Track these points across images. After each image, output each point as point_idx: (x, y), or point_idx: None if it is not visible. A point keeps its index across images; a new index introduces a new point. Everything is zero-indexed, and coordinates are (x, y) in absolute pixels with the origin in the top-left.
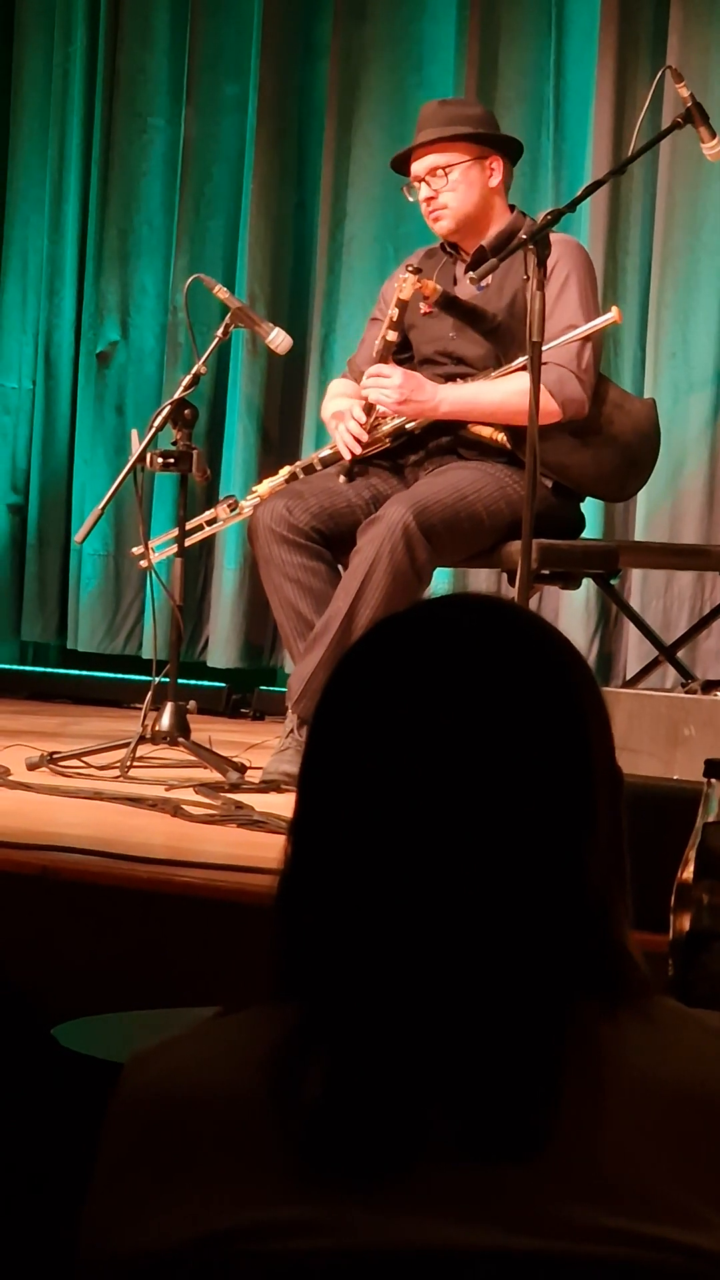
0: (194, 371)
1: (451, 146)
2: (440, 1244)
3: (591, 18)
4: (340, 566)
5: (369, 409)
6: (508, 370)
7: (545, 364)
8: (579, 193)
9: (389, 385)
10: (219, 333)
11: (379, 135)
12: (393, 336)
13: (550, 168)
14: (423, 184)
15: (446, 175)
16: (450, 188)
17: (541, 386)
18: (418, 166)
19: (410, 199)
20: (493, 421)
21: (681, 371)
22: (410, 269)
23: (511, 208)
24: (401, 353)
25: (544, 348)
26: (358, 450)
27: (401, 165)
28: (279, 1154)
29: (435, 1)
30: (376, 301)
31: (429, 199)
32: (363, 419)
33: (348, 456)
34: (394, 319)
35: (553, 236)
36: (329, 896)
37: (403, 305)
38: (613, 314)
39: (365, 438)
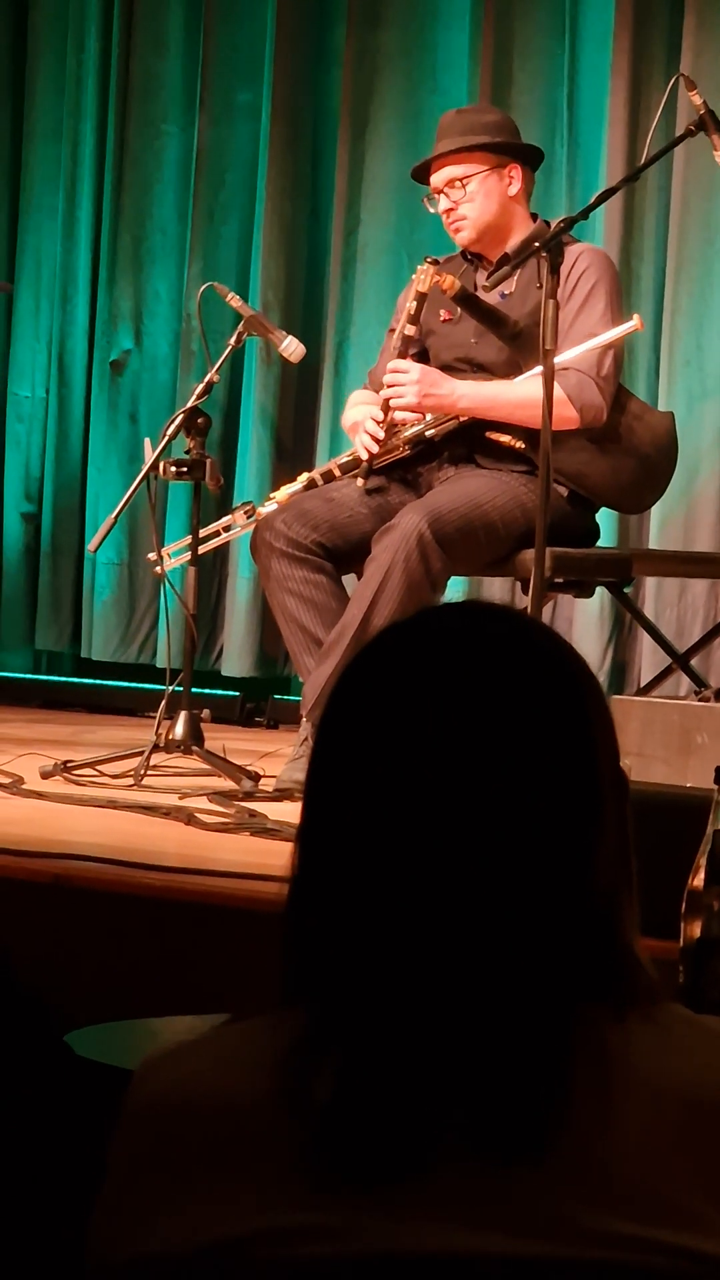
0: (207, 379)
1: (468, 157)
2: (451, 1249)
3: (605, 25)
4: (344, 579)
5: (387, 408)
6: (530, 375)
7: (565, 369)
8: (592, 200)
9: (407, 380)
10: (232, 340)
11: (393, 142)
12: (411, 330)
13: (564, 175)
14: (442, 195)
15: (464, 186)
16: (469, 198)
17: (560, 391)
18: (436, 178)
19: (431, 210)
20: (510, 421)
21: (696, 379)
22: (428, 260)
23: (534, 216)
24: (418, 358)
25: (567, 354)
26: (375, 449)
27: (422, 176)
28: (290, 1159)
29: (449, 9)
30: (394, 314)
31: (448, 210)
32: (380, 417)
33: (365, 457)
34: (411, 312)
35: (581, 246)
36: (337, 902)
37: (421, 297)
38: (634, 322)
39: (382, 434)
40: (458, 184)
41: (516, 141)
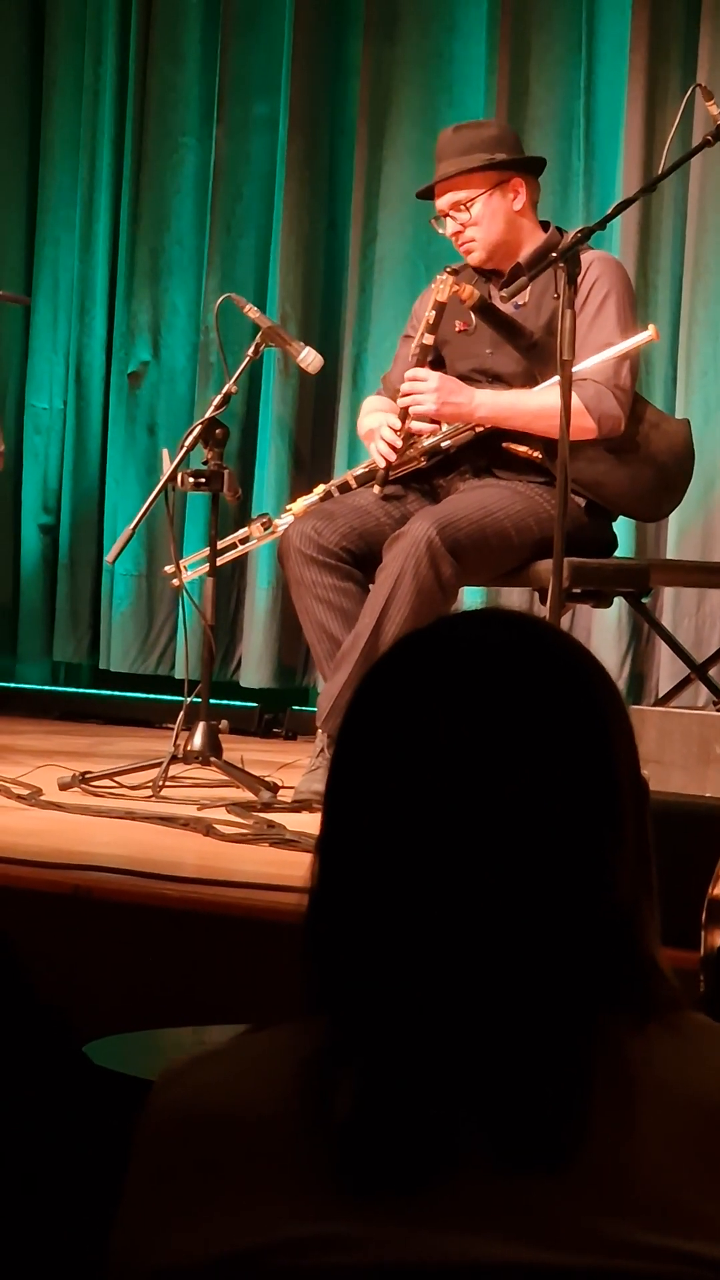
0: (225, 391)
1: (469, 180)
2: (471, 1259)
3: (622, 36)
4: (371, 586)
5: (405, 416)
6: (547, 385)
7: (583, 380)
8: (609, 210)
9: (426, 388)
10: (250, 352)
11: (410, 154)
12: (429, 340)
13: (581, 186)
14: (449, 218)
15: (469, 209)
16: (474, 221)
17: (578, 402)
18: (441, 202)
19: (439, 231)
20: (529, 431)
21: (714, 389)
22: (448, 270)
23: (546, 224)
24: (435, 367)
25: (581, 365)
26: (392, 457)
27: (428, 194)
28: (310, 1170)
29: (466, 21)
30: (409, 319)
31: (456, 233)
32: (398, 425)
33: (382, 464)
34: (430, 321)
35: (592, 254)
36: (356, 912)
37: (440, 307)
38: (649, 332)
39: (399, 443)
40: (462, 207)
41: (517, 155)
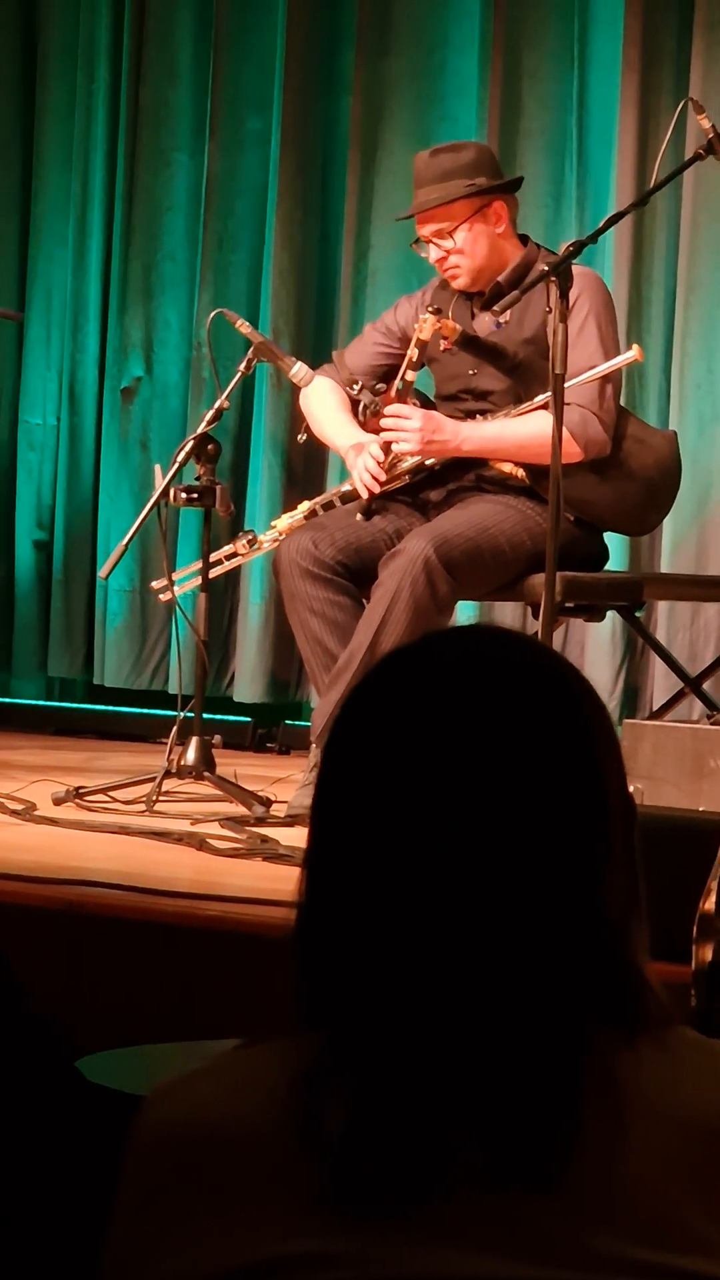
0: (217, 406)
1: (449, 209)
2: (463, 1275)
3: (614, 50)
4: (365, 600)
5: (388, 450)
6: (530, 407)
7: (567, 404)
8: (601, 224)
9: (409, 428)
10: (242, 367)
11: (402, 169)
12: (411, 376)
13: (574, 200)
14: (431, 245)
15: (451, 236)
16: (457, 249)
17: (564, 429)
18: (423, 230)
19: (422, 255)
20: (516, 460)
21: (707, 403)
22: (431, 309)
23: (524, 239)
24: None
25: (567, 384)
26: (376, 489)
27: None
28: (302, 1187)
29: (458, 35)
30: (388, 310)
31: (440, 260)
32: (381, 457)
33: (365, 495)
34: (413, 359)
35: (574, 268)
36: (344, 927)
37: (422, 345)
38: (633, 352)
39: (384, 476)
40: (445, 234)
41: (495, 179)
